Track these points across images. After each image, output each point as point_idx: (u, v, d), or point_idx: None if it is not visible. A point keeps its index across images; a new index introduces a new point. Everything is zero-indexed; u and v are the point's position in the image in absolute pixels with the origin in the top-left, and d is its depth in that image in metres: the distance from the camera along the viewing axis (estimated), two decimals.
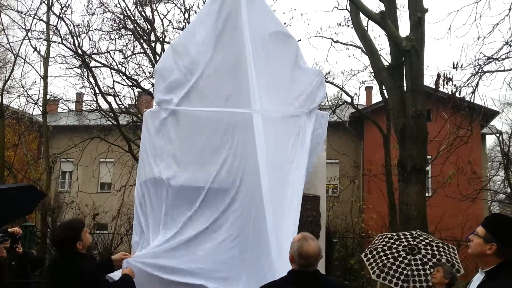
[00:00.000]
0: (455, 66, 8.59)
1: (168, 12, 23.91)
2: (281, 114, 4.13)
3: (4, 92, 14.87)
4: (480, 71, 9.08)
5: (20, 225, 7.85)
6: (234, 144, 3.89)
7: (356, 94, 24.26)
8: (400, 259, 5.57)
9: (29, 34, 14.47)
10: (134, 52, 15.02)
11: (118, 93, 15.32)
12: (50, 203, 14.79)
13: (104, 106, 15.11)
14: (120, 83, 15.41)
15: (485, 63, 9.11)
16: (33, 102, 15.74)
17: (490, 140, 21.83)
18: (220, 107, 4.00)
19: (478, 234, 2.76)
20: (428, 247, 5.58)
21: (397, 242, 5.65)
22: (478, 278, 2.79)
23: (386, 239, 5.77)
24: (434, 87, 8.92)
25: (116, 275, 3.72)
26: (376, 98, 21.41)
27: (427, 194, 9.91)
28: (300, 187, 3.83)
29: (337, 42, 15.72)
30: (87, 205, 14.50)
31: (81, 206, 14.59)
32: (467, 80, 9.04)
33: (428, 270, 5.46)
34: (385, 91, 11.98)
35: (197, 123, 4.07)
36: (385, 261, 5.61)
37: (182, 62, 4.24)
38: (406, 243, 5.60)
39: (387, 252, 5.65)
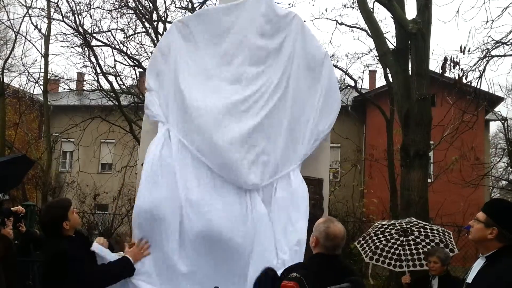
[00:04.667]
0: (462, 49, 8.43)
1: None
2: None
3: (4, 70, 14.76)
4: (487, 55, 8.90)
5: (21, 204, 7.83)
6: None
7: (359, 77, 23.96)
8: (392, 241, 5.58)
9: (29, 11, 14.31)
10: (135, 32, 14.83)
11: (119, 73, 15.21)
12: (51, 183, 14.82)
13: (105, 86, 15.01)
14: (122, 63, 15.29)
15: (493, 47, 8.93)
16: (34, 80, 15.65)
17: (493, 126, 21.66)
18: None
19: (479, 219, 2.76)
20: (422, 230, 5.58)
21: (390, 227, 5.64)
22: (479, 263, 2.78)
23: (380, 226, 5.77)
24: (440, 71, 8.77)
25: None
26: (380, 82, 21.28)
27: (429, 180, 9.83)
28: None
29: (341, 24, 15.46)
30: (88, 185, 14.52)
31: (81, 186, 14.60)
32: (474, 65, 8.87)
33: (421, 250, 5.47)
34: (389, 74, 11.82)
35: None
36: (378, 244, 5.61)
37: None
38: (399, 227, 5.59)
39: (380, 236, 5.65)
